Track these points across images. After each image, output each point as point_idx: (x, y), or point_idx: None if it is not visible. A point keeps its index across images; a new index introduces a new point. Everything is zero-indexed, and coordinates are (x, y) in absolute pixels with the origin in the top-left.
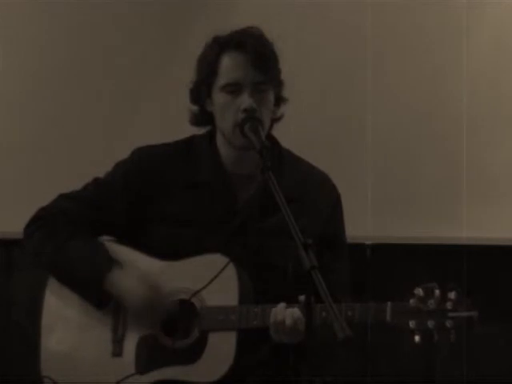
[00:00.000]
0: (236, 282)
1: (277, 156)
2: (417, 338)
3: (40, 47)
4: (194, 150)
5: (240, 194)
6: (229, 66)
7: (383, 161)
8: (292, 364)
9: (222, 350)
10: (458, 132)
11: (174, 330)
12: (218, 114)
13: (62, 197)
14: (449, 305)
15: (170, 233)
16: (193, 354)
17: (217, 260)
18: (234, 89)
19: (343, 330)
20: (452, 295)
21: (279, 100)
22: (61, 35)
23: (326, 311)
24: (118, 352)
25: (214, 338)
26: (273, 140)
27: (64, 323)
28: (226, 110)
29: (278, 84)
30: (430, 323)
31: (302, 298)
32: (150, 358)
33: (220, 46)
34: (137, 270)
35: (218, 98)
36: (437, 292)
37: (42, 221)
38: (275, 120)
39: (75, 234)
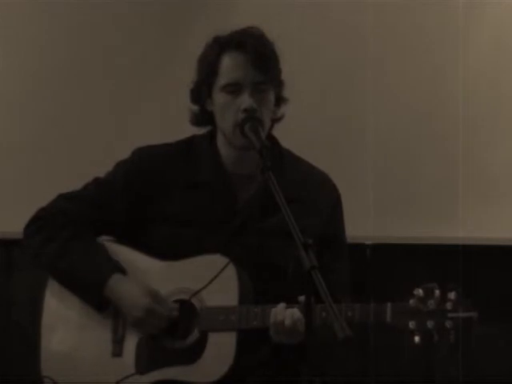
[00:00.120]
0: (236, 282)
1: (277, 156)
2: (416, 338)
3: (40, 47)
4: (195, 150)
5: (240, 194)
6: (229, 66)
7: (383, 161)
8: (292, 364)
9: (221, 350)
10: (458, 132)
11: (174, 330)
12: (218, 114)
13: (62, 197)
14: (448, 305)
15: (170, 233)
16: (193, 354)
17: (217, 260)
18: (234, 89)
19: (343, 330)
20: (452, 295)
21: (279, 100)
22: (61, 35)
23: (326, 311)
24: (118, 352)
25: (213, 338)
26: (273, 140)
27: (64, 323)
28: (226, 109)
29: (278, 84)
30: (430, 324)
31: (301, 298)
32: (149, 358)
33: (220, 46)
34: (137, 277)
35: (218, 98)
36: (437, 292)
37: (41, 221)
38: (276, 120)
39: (75, 234)
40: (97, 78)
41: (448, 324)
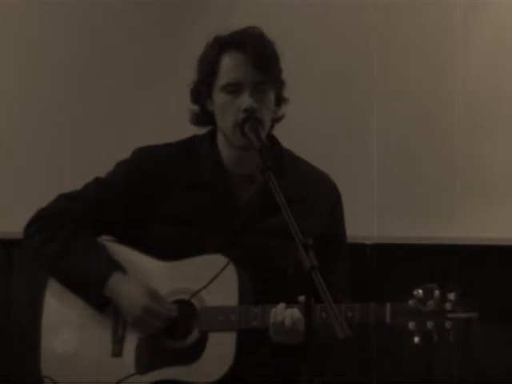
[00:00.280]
0: (236, 282)
1: (277, 156)
2: (416, 338)
3: (40, 47)
4: (195, 150)
5: (240, 194)
6: (229, 66)
7: (383, 161)
8: (292, 364)
9: (221, 350)
10: (458, 132)
11: (173, 330)
12: (218, 114)
13: (62, 197)
14: (448, 306)
15: (171, 233)
16: (193, 354)
17: (217, 260)
18: (234, 89)
19: (343, 330)
20: (451, 296)
21: (280, 100)
22: (61, 35)
23: (326, 311)
24: (118, 352)
25: (213, 339)
26: (273, 140)
27: (64, 323)
28: (227, 109)
29: (278, 84)
30: (430, 324)
31: (301, 298)
32: (149, 358)
33: (220, 46)
34: (137, 277)
35: (219, 98)
36: (436, 293)
37: (42, 221)
38: (276, 120)
39: (76, 234)
40: (97, 77)
41: (448, 324)
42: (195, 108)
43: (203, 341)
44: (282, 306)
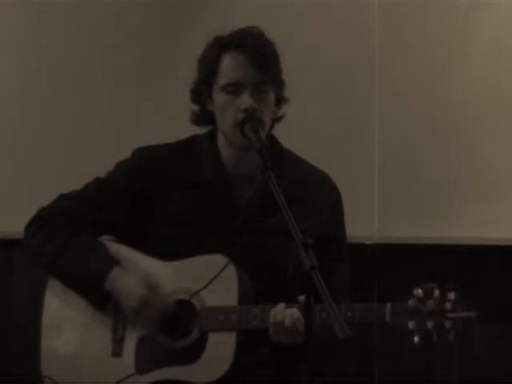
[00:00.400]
0: (236, 282)
1: (277, 156)
2: (416, 338)
3: (40, 47)
4: (195, 150)
5: (240, 194)
6: (229, 66)
7: (383, 161)
8: (292, 364)
9: (221, 350)
10: (458, 132)
11: (173, 330)
12: (218, 114)
13: (63, 197)
14: (448, 305)
15: (171, 233)
16: (192, 354)
17: (217, 260)
18: (234, 89)
19: (343, 330)
20: (451, 296)
21: (280, 100)
22: (61, 35)
23: (326, 311)
24: (117, 352)
25: (213, 338)
26: (273, 140)
27: (64, 323)
28: (227, 109)
29: (278, 84)
30: (430, 324)
31: (301, 298)
32: (149, 357)
33: (220, 45)
34: (137, 269)
35: (219, 98)
36: (436, 292)
37: (42, 221)
38: (276, 120)
39: (76, 233)
40: (97, 77)
41: (447, 324)
42: (195, 108)
43: (203, 341)
44: (281, 305)
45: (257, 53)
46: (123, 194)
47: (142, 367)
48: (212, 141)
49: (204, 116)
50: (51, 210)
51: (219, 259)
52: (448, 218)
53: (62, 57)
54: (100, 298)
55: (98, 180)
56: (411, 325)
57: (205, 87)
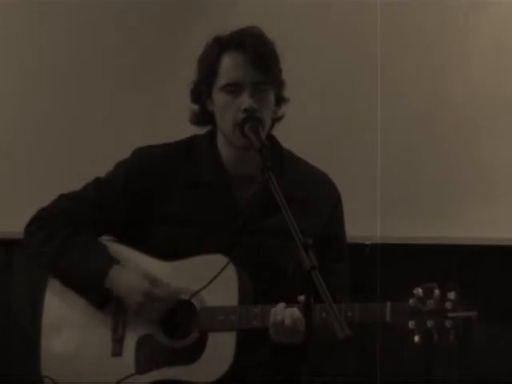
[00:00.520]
0: (236, 282)
1: (277, 156)
2: (416, 338)
3: (40, 47)
4: (195, 150)
5: (240, 194)
6: (229, 66)
7: (383, 161)
8: (292, 364)
9: (221, 350)
10: (458, 132)
11: (173, 330)
12: (218, 114)
13: (63, 197)
14: (448, 305)
15: (171, 233)
16: (192, 354)
17: (217, 260)
18: (234, 89)
19: (343, 329)
20: (451, 295)
21: (280, 100)
22: (61, 35)
23: (326, 311)
24: (117, 352)
25: (213, 338)
26: (273, 140)
27: (64, 323)
28: (226, 110)
29: (278, 84)
30: (430, 323)
31: (301, 298)
32: (149, 357)
33: (220, 46)
34: (137, 267)
35: (218, 98)
36: (436, 292)
37: (42, 221)
38: (276, 120)
39: (76, 233)
40: (97, 77)
41: (448, 323)
42: (195, 108)
43: (203, 341)
44: (281, 305)
45: (257, 53)
46: (123, 194)
47: (141, 367)
48: (212, 141)
49: (204, 116)
50: (51, 210)
51: (219, 259)
52: (448, 218)
53: (62, 57)
54: (100, 297)
55: (97, 180)
56: (411, 324)
57: (205, 87)
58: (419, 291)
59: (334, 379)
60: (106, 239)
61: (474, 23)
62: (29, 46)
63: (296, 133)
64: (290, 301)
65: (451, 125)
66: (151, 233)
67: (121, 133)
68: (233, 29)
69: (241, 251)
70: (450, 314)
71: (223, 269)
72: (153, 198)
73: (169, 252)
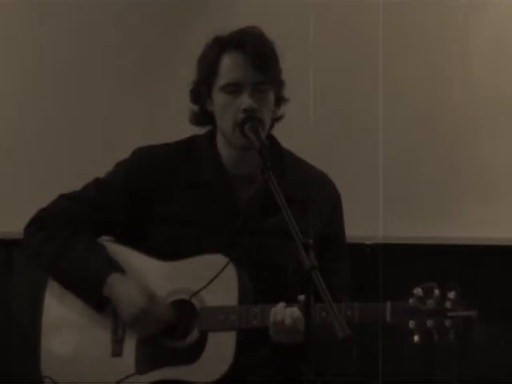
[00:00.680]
0: (236, 282)
1: (277, 156)
2: (416, 337)
3: (40, 47)
4: (195, 150)
5: (240, 194)
6: (229, 66)
7: (383, 161)
8: (292, 364)
9: (221, 350)
10: (458, 132)
11: (173, 330)
12: (218, 114)
13: (63, 197)
14: (448, 304)
15: (171, 233)
16: (192, 354)
17: (217, 260)
18: (233, 89)
19: (343, 329)
20: (451, 295)
21: (280, 100)
22: (61, 35)
23: (326, 311)
24: (117, 352)
25: (213, 338)
26: (273, 140)
27: (64, 323)
28: (226, 110)
29: (278, 84)
30: (430, 323)
31: (301, 297)
32: (149, 357)
33: (220, 46)
34: (137, 277)
35: (218, 98)
36: (436, 292)
37: (42, 221)
38: (276, 120)
39: (76, 234)
40: (97, 77)
41: (447, 323)
42: (195, 108)
43: (203, 340)
44: (281, 305)
45: (256, 53)
46: (123, 194)
47: (141, 367)
48: (212, 141)
49: (203, 116)
50: (51, 210)
51: (219, 259)
52: (448, 218)
53: (62, 57)
54: (98, 302)
55: (97, 180)
56: (411, 324)
57: (204, 87)
58: (419, 291)
59: (335, 379)
60: (105, 239)
61: (474, 23)
62: (29, 46)
63: (296, 133)
64: (290, 300)
65: (451, 125)
66: (151, 233)
67: (121, 133)
68: (233, 29)
69: (241, 251)
70: (449, 314)
71: (223, 269)
72: (153, 198)
73: (169, 252)
